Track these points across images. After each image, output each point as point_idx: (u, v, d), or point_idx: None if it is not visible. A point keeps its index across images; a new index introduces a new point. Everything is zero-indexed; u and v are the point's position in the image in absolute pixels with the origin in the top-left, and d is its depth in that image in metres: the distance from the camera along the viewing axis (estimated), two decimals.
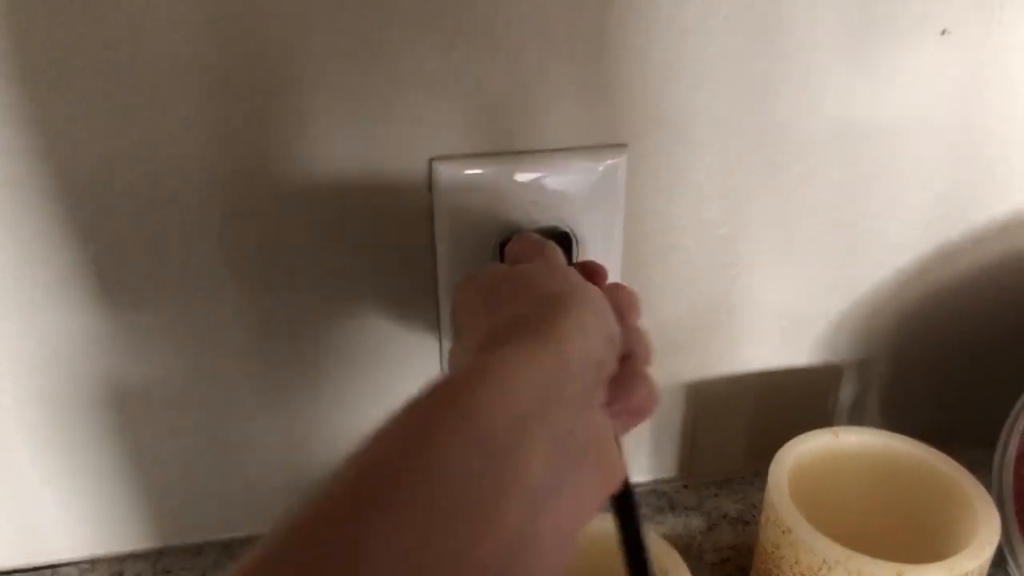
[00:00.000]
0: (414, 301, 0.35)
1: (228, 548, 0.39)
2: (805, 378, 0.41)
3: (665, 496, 0.42)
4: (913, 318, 0.41)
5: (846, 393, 0.43)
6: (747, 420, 0.42)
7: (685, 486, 0.43)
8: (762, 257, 0.38)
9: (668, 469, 0.43)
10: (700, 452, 0.43)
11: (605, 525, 0.23)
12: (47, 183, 0.30)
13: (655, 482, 0.43)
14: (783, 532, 0.32)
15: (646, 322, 0.38)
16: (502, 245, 0.32)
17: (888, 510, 0.35)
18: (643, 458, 0.42)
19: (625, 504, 0.23)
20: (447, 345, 0.36)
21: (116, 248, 0.31)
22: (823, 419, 0.43)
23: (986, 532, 0.31)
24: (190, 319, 0.33)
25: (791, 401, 0.42)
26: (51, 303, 0.32)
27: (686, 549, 0.39)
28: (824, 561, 0.30)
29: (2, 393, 0.34)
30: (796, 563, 0.32)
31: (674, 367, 0.40)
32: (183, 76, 0.29)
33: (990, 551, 0.30)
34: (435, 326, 0.36)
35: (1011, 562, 0.33)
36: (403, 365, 0.36)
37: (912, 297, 0.41)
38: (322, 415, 0.37)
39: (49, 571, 0.38)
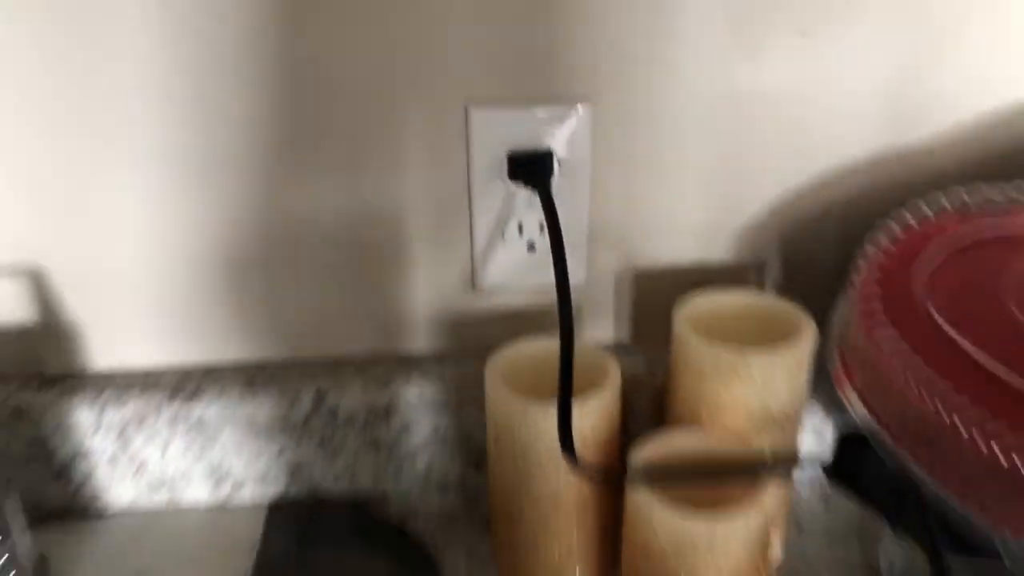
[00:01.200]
0: (452, 196, 0.55)
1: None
2: (724, 271, 0.60)
3: (622, 348, 0.60)
4: (798, 232, 0.59)
5: (750, 283, 0.61)
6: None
7: (637, 343, 0.61)
8: (690, 179, 0.56)
9: (625, 335, 0.61)
10: (649, 322, 0.61)
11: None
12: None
13: (616, 342, 0.61)
14: (680, 344, 0.51)
15: (613, 221, 0.56)
16: (509, 157, 0.52)
17: (753, 337, 0.53)
18: (608, 326, 0.61)
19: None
20: (477, 239, 0.56)
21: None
22: None
23: (804, 342, 0.49)
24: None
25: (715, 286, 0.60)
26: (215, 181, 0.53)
27: (631, 378, 0.57)
28: (702, 353, 0.49)
29: (173, 247, 0.54)
30: (688, 360, 0.50)
31: (628, 258, 0.59)
32: None
33: (806, 350, 0.48)
34: (467, 218, 0.55)
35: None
36: (440, 243, 0.56)
37: (798, 214, 0.59)
38: (383, 290, 0.57)
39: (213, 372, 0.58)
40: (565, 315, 0.44)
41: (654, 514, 0.44)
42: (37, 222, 0.53)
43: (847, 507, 0.60)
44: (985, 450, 0.41)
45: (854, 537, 0.58)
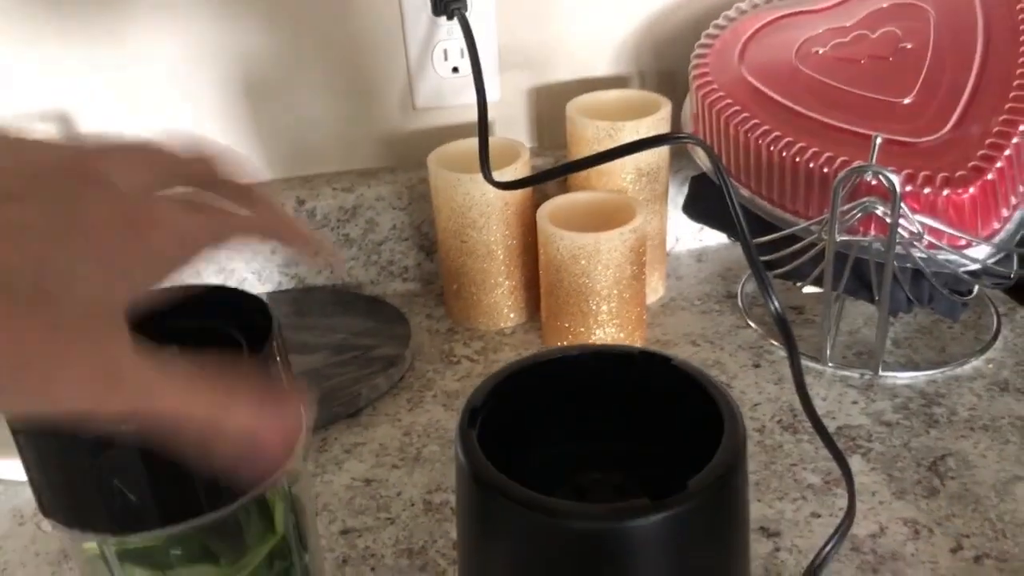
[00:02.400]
0: (389, 31, 0.69)
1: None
2: (612, 81, 0.76)
3: (533, 150, 0.77)
4: (671, 44, 0.76)
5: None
6: None
7: (547, 148, 0.78)
8: (578, 7, 0.72)
9: (538, 144, 0.78)
10: (556, 132, 0.77)
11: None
12: None
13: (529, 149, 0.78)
14: (571, 124, 0.67)
15: (520, 45, 0.72)
16: None
17: (627, 119, 0.70)
18: (523, 136, 0.77)
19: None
20: (412, 67, 0.71)
21: None
22: None
23: (662, 114, 0.66)
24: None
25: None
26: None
27: (539, 169, 0.73)
28: (587, 129, 0.65)
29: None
30: (576, 136, 0.66)
31: (535, 77, 0.74)
32: None
33: (664, 118, 0.65)
34: (403, 50, 0.70)
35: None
36: (383, 72, 0.71)
37: (670, 30, 0.75)
38: (342, 116, 0.72)
39: None
40: (479, 78, 0.60)
41: (558, 235, 0.61)
42: (62, 72, 0.66)
43: (714, 260, 0.78)
44: (788, 159, 0.59)
45: (719, 279, 0.76)
